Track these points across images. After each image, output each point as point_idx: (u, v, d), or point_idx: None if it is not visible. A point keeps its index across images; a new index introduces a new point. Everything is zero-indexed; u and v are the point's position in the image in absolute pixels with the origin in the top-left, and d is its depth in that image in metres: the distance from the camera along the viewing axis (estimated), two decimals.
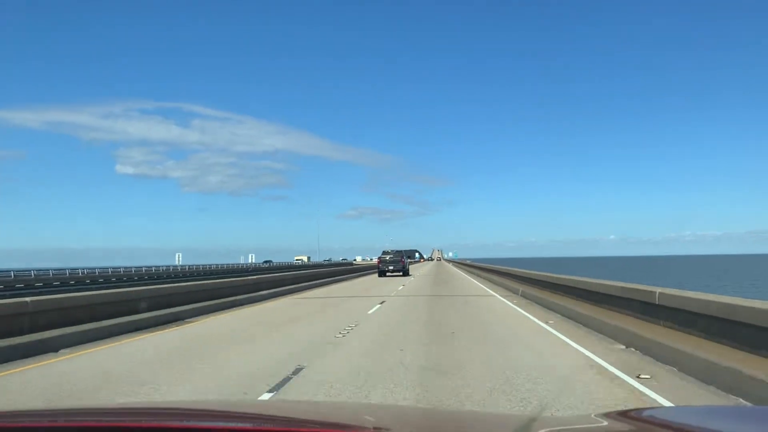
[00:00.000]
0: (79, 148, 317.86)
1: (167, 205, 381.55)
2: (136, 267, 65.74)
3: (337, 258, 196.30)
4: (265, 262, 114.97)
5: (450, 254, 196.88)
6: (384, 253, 47.87)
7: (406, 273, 45.92)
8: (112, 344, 10.70)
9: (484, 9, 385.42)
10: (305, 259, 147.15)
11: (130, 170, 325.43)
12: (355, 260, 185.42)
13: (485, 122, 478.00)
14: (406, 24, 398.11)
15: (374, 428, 1.75)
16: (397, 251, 48.40)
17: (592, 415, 2.04)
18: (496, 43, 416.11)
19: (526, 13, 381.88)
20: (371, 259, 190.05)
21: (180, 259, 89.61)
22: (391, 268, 45.29)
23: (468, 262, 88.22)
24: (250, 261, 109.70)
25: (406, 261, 47.50)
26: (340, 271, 45.50)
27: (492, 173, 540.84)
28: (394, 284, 32.16)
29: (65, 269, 55.92)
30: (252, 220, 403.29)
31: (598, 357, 8.83)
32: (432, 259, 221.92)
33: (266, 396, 6.60)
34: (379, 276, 44.69)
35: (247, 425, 1.94)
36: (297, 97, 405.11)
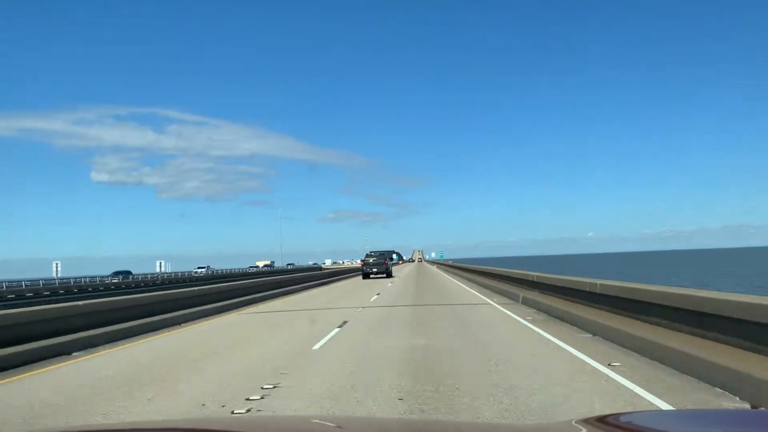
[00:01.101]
0: (53, 155, 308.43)
1: (144, 212, 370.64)
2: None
3: (304, 262, 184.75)
4: (199, 268, 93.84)
5: (433, 254, 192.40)
6: (367, 256, 49.97)
7: (389, 275, 47.92)
8: None
9: (456, 7, 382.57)
10: (261, 265, 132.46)
11: (105, 177, 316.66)
12: (324, 264, 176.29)
13: (460, 123, 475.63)
14: (381, 24, 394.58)
15: None
16: (380, 254, 50.82)
17: (573, 422, 1.92)
18: (470, 39, 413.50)
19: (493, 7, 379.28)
20: (345, 263, 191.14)
21: (162, 266, 78.18)
22: (375, 270, 46.77)
23: (449, 262, 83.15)
24: (159, 270, 75.76)
25: (389, 263, 50.20)
26: (303, 278, 40.94)
27: (469, 174, 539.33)
28: (367, 292, 26.62)
29: (39, 280, 56.63)
30: (232, 225, 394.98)
31: None
32: (413, 260, 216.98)
33: None
34: (363, 278, 46.12)
35: None
36: (274, 101, 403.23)
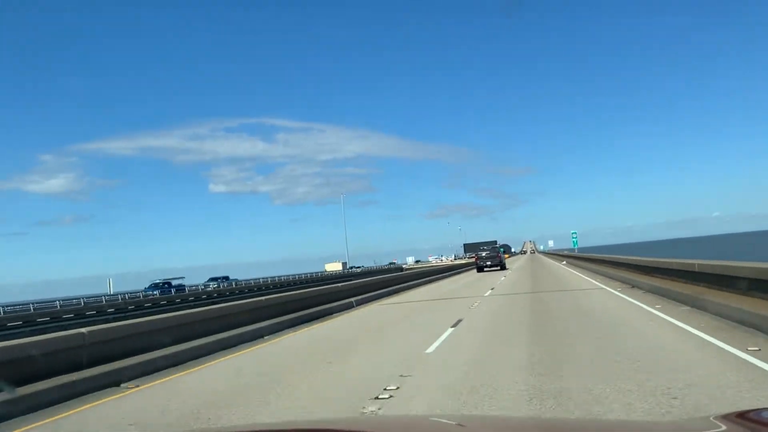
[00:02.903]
0: (172, 170, 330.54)
1: (261, 219, 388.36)
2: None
3: (383, 262, 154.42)
4: (217, 279, 70.41)
5: (551, 244, 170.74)
6: (481, 249, 53.20)
7: (503, 267, 48.95)
8: None
9: None
10: (330, 269, 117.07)
11: (222, 188, 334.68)
12: (406, 264, 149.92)
13: (568, 104, 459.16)
14: (473, 14, 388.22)
15: None
16: (492, 247, 54.36)
17: (711, 418, 1.87)
18: (582, 22, 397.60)
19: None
20: (434, 260, 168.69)
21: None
22: (489, 263, 48.63)
23: (565, 252, 79.50)
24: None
25: (502, 256, 51.54)
26: (375, 283, 27.82)
27: (579, 158, 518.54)
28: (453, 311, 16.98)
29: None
30: (340, 227, 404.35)
31: None
32: (524, 252, 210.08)
33: None
34: (478, 271, 48.14)
35: None
36: (375, 100, 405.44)
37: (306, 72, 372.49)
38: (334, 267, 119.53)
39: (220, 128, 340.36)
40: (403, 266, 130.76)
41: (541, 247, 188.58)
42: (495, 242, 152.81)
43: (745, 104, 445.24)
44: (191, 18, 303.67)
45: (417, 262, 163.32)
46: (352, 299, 21.74)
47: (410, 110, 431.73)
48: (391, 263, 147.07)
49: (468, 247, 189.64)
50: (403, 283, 31.54)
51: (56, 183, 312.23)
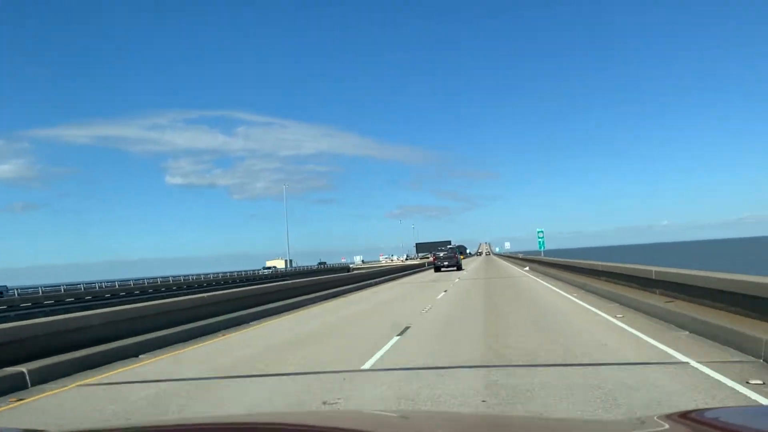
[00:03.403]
0: (129, 161, 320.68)
1: (218, 213, 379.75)
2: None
3: (334, 261, 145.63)
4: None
5: (508, 246, 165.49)
6: (439, 250, 54.99)
7: (459, 267, 50.21)
8: None
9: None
10: (270, 265, 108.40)
11: (179, 180, 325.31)
12: (353, 263, 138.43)
13: (528, 113, 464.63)
14: (442, 18, 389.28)
15: None
16: (450, 248, 55.98)
17: (655, 417, 1.90)
18: (534, 33, 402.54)
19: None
20: (385, 260, 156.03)
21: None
22: (446, 263, 49.91)
23: (520, 255, 78.08)
24: None
25: (458, 257, 52.81)
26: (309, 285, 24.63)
27: (536, 164, 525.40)
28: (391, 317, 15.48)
29: (114, 281, 60.63)
30: (299, 224, 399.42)
31: None
32: (480, 254, 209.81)
33: None
34: (435, 271, 49.13)
35: None
36: (340, 98, 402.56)
37: (270, 67, 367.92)
38: (276, 265, 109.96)
39: (179, 119, 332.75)
40: (350, 266, 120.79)
41: (497, 249, 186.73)
42: (449, 242, 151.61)
43: (701, 116, 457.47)
44: (154, 8, 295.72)
45: (364, 262, 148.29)
46: (286, 301, 19.25)
47: (376, 110, 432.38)
48: (320, 263, 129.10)
49: (420, 247, 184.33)
50: (345, 285, 28.14)
51: (6, 169, 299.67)
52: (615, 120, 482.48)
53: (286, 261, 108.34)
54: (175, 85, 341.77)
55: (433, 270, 50.63)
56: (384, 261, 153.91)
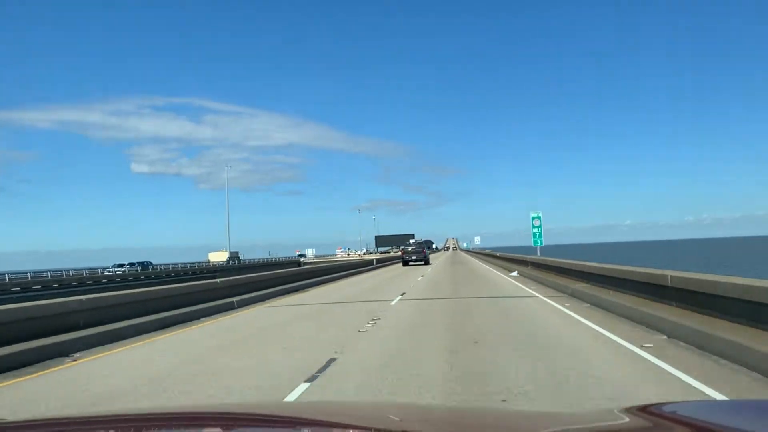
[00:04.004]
0: (91, 147, 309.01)
1: (183, 203, 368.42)
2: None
3: (289, 254, 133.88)
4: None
5: (477, 241, 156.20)
6: (407, 244, 54.64)
7: (427, 262, 51.33)
8: None
9: None
10: (215, 259, 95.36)
11: (145, 168, 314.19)
12: (306, 257, 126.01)
13: (496, 109, 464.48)
14: (415, 11, 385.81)
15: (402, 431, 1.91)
16: (418, 243, 55.33)
17: (615, 411, 2.00)
18: (504, 26, 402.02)
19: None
20: (341, 254, 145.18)
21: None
22: (414, 258, 50.09)
23: (487, 251, 74.89)
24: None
25: (426, 251, 53.29)
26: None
27: (504, 161, 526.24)
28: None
29: (83, 269, 61.32)
30: (265, 215, 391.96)
31: None
32: (447, 248, 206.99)
33: None
34: (403, 265, 49.20)
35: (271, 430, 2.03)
36: (310, 89, 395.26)
37: (240, 55, 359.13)
38: (219, 257, 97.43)
39: (146, 105, 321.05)
40: (302, 260, 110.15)
41: (465, 245, 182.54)
42: (412, 235, 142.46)
43: (665, 117, 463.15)
44: None
45: (318, 256, 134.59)
46: (200, 306, 14.93)
47: (347, 103, 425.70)
48: (298, 255, 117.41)
49: (380, 240, 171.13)
50: (279, 285, 22.90)
51: None
52: (584, 118, 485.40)
53: (231, 254, 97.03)
54: (142, 71, 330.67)
55: (392, 266, 50.05)
56: (340, 255, 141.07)
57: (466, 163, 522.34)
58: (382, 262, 56.40)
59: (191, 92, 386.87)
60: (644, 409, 1.91)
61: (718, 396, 5.95)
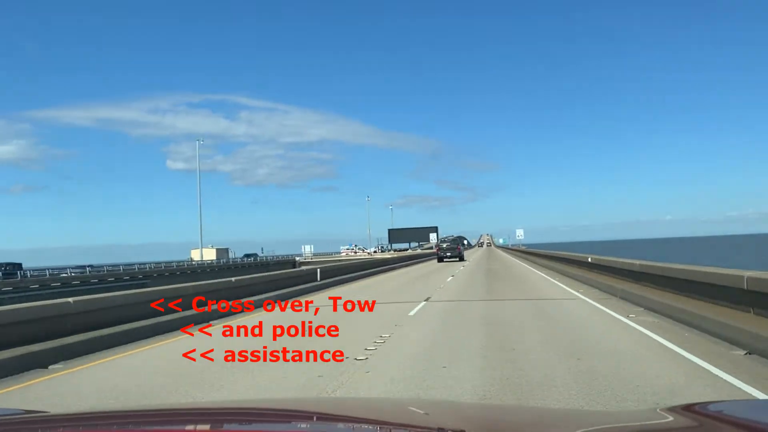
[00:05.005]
0: (129, 144, 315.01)
1: (219, 199, 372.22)
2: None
3: (281, 252, 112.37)
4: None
5: (520, 235, 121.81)
6: (441, 240, 56.26)
7: (461, 258, 51.41)
8: None
9: None
10: (197, 258, 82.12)
11: (181, 165, 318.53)
12: (302, 257, 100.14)
13: (532, 103, 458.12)
14: (446, 8, 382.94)
15: (438, 428, 1.82)
16: (453, 239, 55.23)
17: (658, 410, 1.96)
18: (539, 23, 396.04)
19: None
20: (347, 251, 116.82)
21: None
22: (449, 254, 50.61)
23: (522, 248, 71.98)
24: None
25: (461, 248, 53.57)
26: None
27: (540, 155, 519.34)
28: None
29: (119, 265, 62.26)
30: (301, 211, 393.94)
31: None
32: (481, 245, 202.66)
33: None
34: (438, 261, 49.91)
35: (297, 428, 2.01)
36: (343, 85, 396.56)
37: (273, 51, 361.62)
38: (206, 255, 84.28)
39: (182, 103, 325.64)
40: (297, 259, 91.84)
41: (501, 241, 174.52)
42: (435, 228, 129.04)
43: (704, 109, 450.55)
44: None
45: (318, 255, 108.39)
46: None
47: (380, 98, 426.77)
48: (247, 255, 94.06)
49: (395, 235, 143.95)
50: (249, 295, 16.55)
51: (5, 150, 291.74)
52: (623, 112, 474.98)
53: (219, 250, 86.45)
54: (178, 69, 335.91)
55: (415, 268, 43.75)
56: (346, 253, 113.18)
57: (502, 159, 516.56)
58: (397, 263, 45.16)
59: (226, 89, 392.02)
60: (689, 408, 1.87)
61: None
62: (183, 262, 74.25)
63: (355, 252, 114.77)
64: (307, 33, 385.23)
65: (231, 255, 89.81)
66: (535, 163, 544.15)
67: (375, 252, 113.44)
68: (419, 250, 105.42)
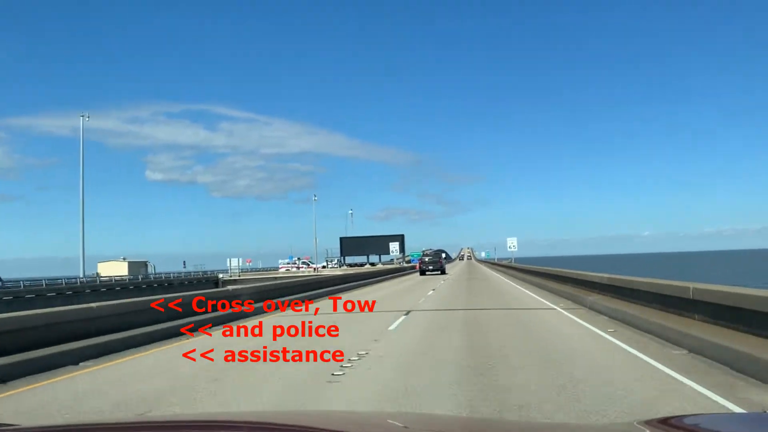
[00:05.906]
0: (108, 154, 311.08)
1: (198, 211, 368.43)
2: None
3: (211, 267, 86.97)
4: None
5: (512, 245, 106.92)
6: (424, 254, 55.12)
7: (443, 271, 52.13)
8: None
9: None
10: (105, 273, 69.59)
11: (159, 176, 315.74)
12: (226, 275, 78.50)
13: (515, 117, 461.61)
14: (429, 16, 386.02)
15: None
16: (434, 252, 55.57)
17: (635, 423, 1.91)
18: (522, 31, 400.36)
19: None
20: (293, 267, 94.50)
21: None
22: (431, 267, 50.96)
23: (504, 262, 72.75)
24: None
25: (443, 261, 54.37)
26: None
27: (522, 169, 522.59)
28: None
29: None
30: (281, 223, 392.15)
31: None
32: (462, 258, 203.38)
33: None
34: (420, 275, 50.23)
35: None
36: (325, 97, 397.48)
37: (254, 61, 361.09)
38: (116, 270, 73.72)
39: (161, 113, 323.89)
40: (221, 277, 75.38)
41: (483, 255, 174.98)
42: (401, 236, 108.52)
43: (683, 126, 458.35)
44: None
45: (253, 270, 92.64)
46: None
47: (362, 111, 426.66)
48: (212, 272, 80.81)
49: (348, 245, 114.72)
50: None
51: None
52: (605, 126, 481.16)
53: (138, 264, 74.89)
54: (157, 78, 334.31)
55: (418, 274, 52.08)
56: (284, 269, 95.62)
57: (486, 172, 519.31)
58: (348, 282, 32.63)
59: (206, 99, 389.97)
60: (665, 422, 1.91)
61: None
62: (73, 278, 57.65)
63: (298, 267, 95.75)
64: (287, 45, 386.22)
65: (150, 269, 77.41)
66: (516, 177, 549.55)
67: (322, 268, 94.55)
68: (380, 266, 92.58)
